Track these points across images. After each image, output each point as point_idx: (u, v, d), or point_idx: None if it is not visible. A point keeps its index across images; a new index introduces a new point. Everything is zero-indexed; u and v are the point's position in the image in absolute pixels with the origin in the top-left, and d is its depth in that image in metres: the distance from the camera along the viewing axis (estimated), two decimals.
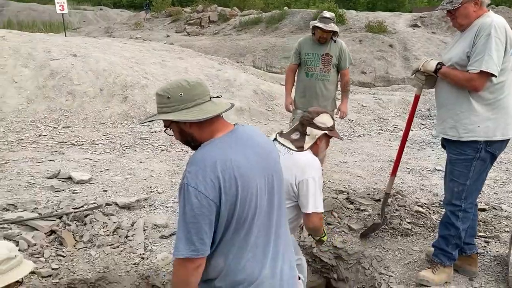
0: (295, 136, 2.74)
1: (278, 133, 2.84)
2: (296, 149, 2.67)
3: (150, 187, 4.75)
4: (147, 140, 6.76)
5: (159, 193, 4.63)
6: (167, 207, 4.32)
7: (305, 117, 2.78)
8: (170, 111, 1.80)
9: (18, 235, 3.40)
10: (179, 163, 5.74)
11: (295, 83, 4.95)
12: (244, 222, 1.79)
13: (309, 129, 2.73)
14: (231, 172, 1.72)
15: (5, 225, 3.55)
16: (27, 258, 3.19)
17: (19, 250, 3.23)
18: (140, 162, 5.67)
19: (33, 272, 3.10)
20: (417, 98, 3.29)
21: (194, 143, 1.87)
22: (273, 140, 2.76)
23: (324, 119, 2.77)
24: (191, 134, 1.85)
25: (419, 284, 3.21)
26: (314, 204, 2.61)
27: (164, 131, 1.93)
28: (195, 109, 1.78)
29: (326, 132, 2.75)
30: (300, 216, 2.78)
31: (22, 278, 2.38)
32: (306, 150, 2.70)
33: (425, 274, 3.22)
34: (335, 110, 4.92)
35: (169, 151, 6.39)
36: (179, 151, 6.41)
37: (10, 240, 3.31)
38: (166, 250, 3.60)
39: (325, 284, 3.91)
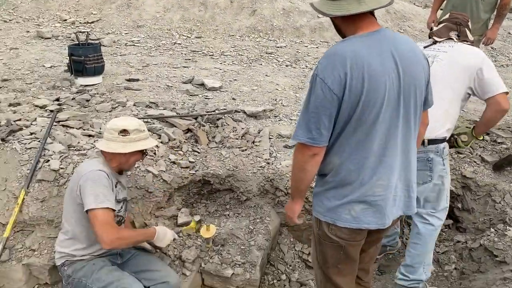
0: (455, 36, 2.66)
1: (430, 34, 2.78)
2: (469, 42, 2.67)
3: (275, 100, 4.86)
4: (272, 55, 6.82)
5: (283, 106, 4.74)
6: (291, 119, 4.41)
7: (462, 19, 2.69)
8: (324, 2, 1.83)
9: (160, 129, 3.75)
10: (303, 79, 5.75)
11: (445, 0, 4.50)
12: (363, 124, 1.76)
13: (468, 32, 2.69)
14: (360, 71, 1.70)
15: (149, 120, 3.94)
16: (167, 150, 3.56)
17: (161, 142, 3.60)
18: (266, 76, 5.79)
19: (173, 162, 3.45)
20: None
21: (341, 35, 1.90)
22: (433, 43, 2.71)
23: None
24: (338, 26, 1.90)
25: None
26: (500, 83, 2.53)
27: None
28: (336, 3, 1.77)
29: None
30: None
31: (146, 151, 2.67)
32: None
33: None
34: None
35: (294, 67, 6.41)
36: (304, 68, 6.40)
37: (153, 133, 3.69)
38: (289, 158, 3.74)
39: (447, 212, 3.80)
